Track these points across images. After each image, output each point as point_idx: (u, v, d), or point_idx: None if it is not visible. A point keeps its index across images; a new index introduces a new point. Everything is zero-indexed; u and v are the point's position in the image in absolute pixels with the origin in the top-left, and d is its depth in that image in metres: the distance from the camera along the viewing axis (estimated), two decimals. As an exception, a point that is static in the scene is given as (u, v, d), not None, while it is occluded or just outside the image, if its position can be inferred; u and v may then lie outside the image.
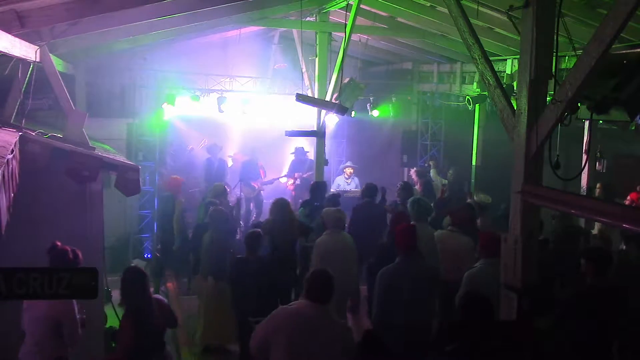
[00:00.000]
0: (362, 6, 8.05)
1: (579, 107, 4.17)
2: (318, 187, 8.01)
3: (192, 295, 7.96)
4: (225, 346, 6.65)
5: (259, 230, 6.18)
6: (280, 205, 6.84)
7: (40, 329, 4.43)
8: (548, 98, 3.93)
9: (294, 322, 3.71)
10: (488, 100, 8.77)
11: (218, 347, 6.67)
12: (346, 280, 5.92)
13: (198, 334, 6.68)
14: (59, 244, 4.57)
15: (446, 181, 10.41)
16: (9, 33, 4.55)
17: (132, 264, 5.37)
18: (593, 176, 7.46)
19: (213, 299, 6.53)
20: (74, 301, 4.48)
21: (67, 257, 4.50)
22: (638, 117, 4.25)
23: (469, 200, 8.31)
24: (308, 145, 11.18)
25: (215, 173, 10.73)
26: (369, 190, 7.74)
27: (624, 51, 5.13)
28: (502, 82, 4.65)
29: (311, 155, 10.73)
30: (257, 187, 10.91)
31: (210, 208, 7.00)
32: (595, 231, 7.11)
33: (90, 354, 5.38)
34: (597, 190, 7.70)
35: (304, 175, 10.85)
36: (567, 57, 6.71)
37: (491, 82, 4.32)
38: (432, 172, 10.70)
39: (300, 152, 11.42)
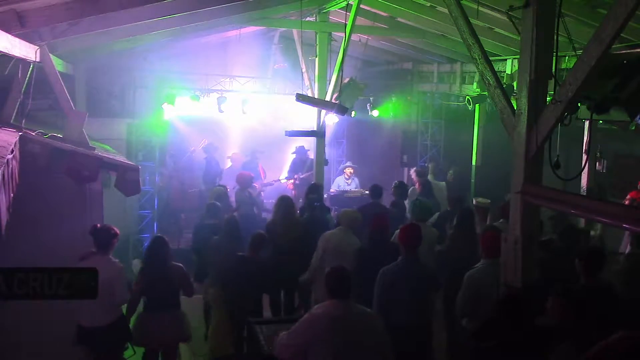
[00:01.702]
0: (362, 6, 8.03)
1: (579, 107, 4.17)
2: (317, 189, 7.94)
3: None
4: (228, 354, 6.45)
5: (263, 232, 6.13)
6: (284, 203, 6.84)
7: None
8: (548, 98, 3.93)
9: (330, 325, 3.70)
10: (488, 100, 8.76)
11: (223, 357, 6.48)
12: None
13: (205, 333, 6.44)
14: (98, 225, 5.03)
15: (444, 183, 10.34)
16: (9, 33, 4.56)
17: (158, 234, 5.91)
18: (593, 176, 7.45)
19: (220, 309, 6.12)
20: (121, 265, 5.00)
21: (112, 232, 4.99)
22: (638, 117, 4.25)
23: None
24: (308, 145, 11.17)
25: (212, 173, 10.73)
26: (376, 192, 7.71)
27: (624, 51, 5.14)
28: (502, 82, 4.65)
29: (312, 154, 10.72)
30: (257, 187, 10.91)
31: (225, 216, 6.89)
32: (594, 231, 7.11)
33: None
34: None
35: (302, 176, 10.85)
36: (567, 57, 6.71)
37: (491, 82, 4.32)
38: (430, 177, 10.56)
39: (301, 151, 11.38)
